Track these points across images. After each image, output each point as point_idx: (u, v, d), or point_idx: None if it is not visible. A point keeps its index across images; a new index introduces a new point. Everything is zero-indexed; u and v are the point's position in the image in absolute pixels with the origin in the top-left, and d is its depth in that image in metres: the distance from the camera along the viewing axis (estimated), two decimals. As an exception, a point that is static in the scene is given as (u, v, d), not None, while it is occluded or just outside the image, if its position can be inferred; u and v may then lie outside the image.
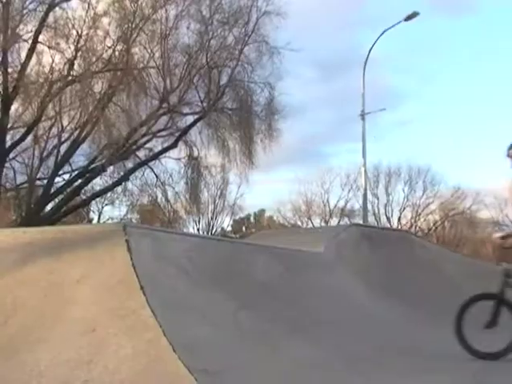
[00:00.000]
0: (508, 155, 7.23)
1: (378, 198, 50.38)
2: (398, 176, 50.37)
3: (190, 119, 25.06)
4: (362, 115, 26.80)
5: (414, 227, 48.25)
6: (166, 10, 22.85)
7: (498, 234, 7.57)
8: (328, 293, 7.86)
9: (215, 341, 5.28)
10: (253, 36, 23.92)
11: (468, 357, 6.54)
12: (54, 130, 24.27)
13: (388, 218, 50.50)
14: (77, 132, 23.62)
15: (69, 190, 24.54)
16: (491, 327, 6.67)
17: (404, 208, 50.85)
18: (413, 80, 68.33)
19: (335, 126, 65.19)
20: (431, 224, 51.12)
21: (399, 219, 50.67)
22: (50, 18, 21.04)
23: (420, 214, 50.91)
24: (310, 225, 49.90)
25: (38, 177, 25.00)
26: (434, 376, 5.80)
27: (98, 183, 26.15)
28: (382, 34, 26.71)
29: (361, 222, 29.14)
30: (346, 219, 48.82)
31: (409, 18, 25.60)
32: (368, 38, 57.27)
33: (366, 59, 27.00)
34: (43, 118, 22.24)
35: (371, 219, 44.29)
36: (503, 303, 6.74)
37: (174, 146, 24.99)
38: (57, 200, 25.08)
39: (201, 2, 23.37)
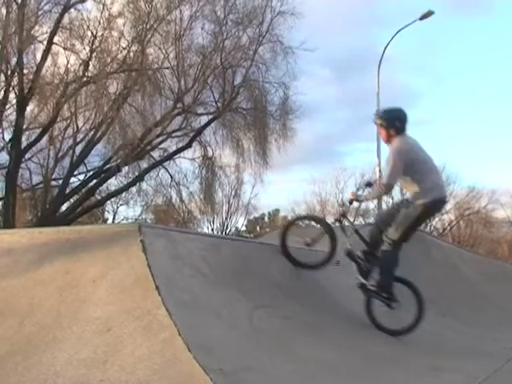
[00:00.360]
0: (374, 122, 7.45)
1: (392, 198, 50.22)
2: (412, 176, 50.18)
3: (205, 119, 25.15)
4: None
5: (429, 227, 48.01)
6: (181, 11, 22.92)
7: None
8: (343, 292, 7.84)
9: (230, 341, 5.28)
10: (267, 36, 23.94)
11: (484, 355, 6.52)
12: (70, 131, 24.46)
13: (403, 218, 50.27)
14: (92, 132, 23.74)
15: (84, 190, 24.68)
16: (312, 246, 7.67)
17: (419, 208, 50.59)
18: (427, 79, 68.37)
19: (350, 125, 65.30)
20: (446, 224, 50.86)
21: (414, 219, 50.41)
22: (65, 19, 21.17)
23: (435, 214, 50.64)
24: (325, 224, 49.80)
25: (53, 177, 25.17)
26: (450, 375, 5.78)
27: (112, 183, 26.31)
28: (397, 33, 26.59)
29: (375, 221, 29.00)
30: (360, 219, 48.73)
31: (424, 16, 25.40)
32: (383, 36, 57.30)
33: (381, 58, 26.88)
34: (58, 119, 22.39)
35: (386, 219, 44.08)
36: (329, 234, 7.52)
37: (188, 146, 25.06)
38: (72, 200, 25.24)
39: (215, 2, 23.41)
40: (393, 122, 7.17)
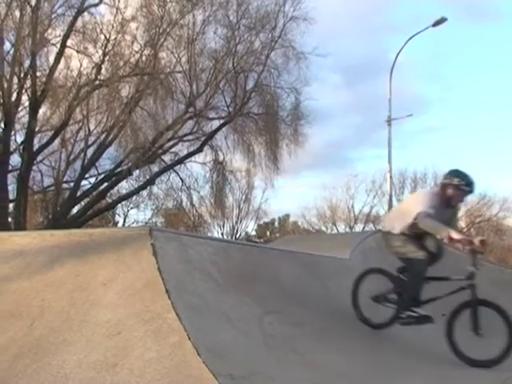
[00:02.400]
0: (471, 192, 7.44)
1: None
2: (423, 182, 49.96)
3: (216, 124, 25.16)
4: (389, 121, 26.66)
5: (440, 234, 47.77)
6: (194, 15, 22.95)
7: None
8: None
9: (240, 345, 5.27)
10: (279, 41, 23.93)
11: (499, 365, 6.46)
12: (81, 134, 24.56)
13: (413, 225, 50.07)
14: (103, 136, 23.80)
15: (95, 193, 24.73)
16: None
17: (430, 215, 50.36)
18: (439, 85, 68.12)
19: (361, 131, 65.13)
20: (457, 231, 50.59)
21: (425, 226, 50.18)
22: (79, 23, 21.25)
23: (446, 221, 50.41)
24: (335, 230, 49.74)
25: (64, 180, 25.25)
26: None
27: (123, 187, 26.36)
28: (410, 39, 26.57)
29: (386, 228, 28.91)
30: (370, 225, 48.58)
31: (437, 23, 25.34)
32: (395, 43, 57.23)
33: (393, 65, 26.88)
34: (71, 122, 22.46)
35: (396, 225, 43.88)
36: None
37: (199, 150, 25.08)
38: (83, 203, 25.27)
39: (228, 7, 23.43)
40: None
